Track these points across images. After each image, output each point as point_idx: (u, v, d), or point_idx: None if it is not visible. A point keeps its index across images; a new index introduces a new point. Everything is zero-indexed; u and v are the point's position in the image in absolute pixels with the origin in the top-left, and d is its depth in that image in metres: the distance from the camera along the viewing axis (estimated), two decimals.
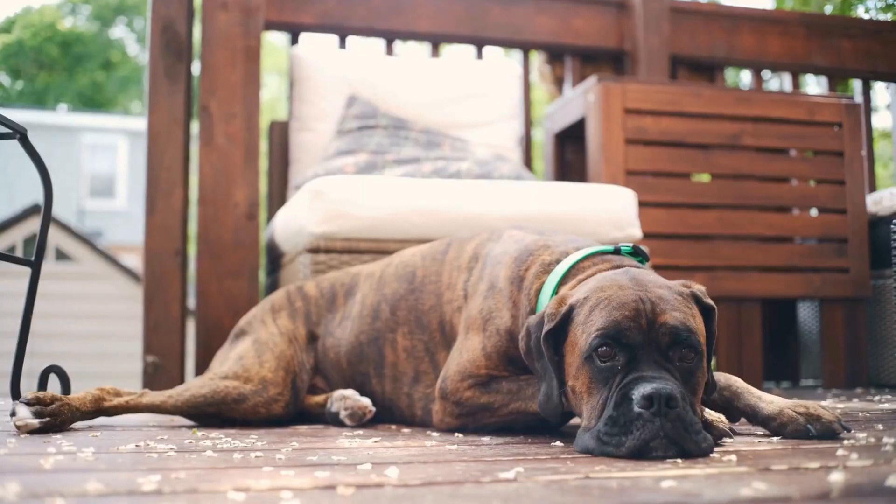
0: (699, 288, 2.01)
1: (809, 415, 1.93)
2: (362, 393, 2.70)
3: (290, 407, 2.64)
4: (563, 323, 1.94)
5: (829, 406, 2.93)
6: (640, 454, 1.68)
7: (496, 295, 2.32)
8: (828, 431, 1.90)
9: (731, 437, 1.87)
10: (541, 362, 2.01)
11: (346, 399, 2.58)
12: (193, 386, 2.57)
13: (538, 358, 2.02)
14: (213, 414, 2.56)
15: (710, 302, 1.98)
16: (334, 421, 2.58)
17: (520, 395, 2.19)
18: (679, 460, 1.58)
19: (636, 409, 1.70)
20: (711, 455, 1.68)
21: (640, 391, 1.71)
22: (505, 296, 2.29)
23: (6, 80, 27.15)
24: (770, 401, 2.03)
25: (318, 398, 2.73)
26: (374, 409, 2.57)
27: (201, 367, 3.82)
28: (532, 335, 2.03)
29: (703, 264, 4.25)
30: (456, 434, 2.23)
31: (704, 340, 1.91)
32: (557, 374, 1.95)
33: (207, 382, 2.56)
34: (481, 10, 4.84)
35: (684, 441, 1.68)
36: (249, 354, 2.65)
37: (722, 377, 2.15)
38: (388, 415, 2.65)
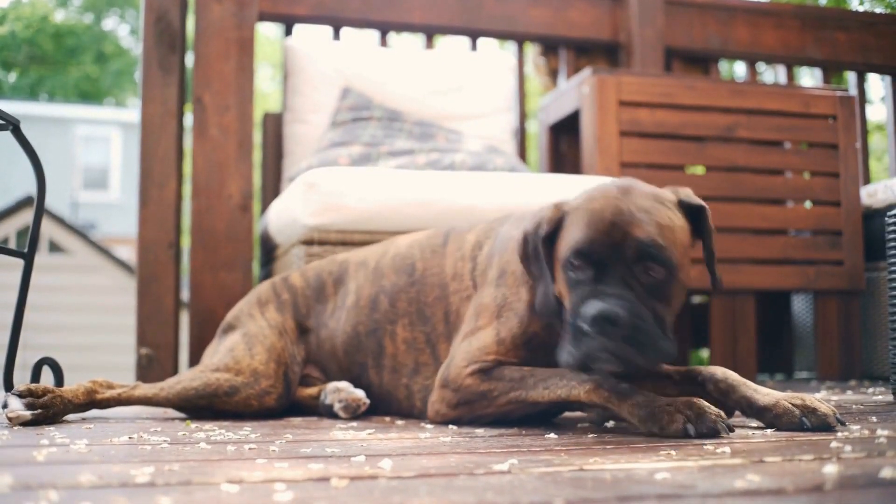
0: (685, 192, 2.12)
1: (805, 407, 1.93)
2: (359, 383, 2.69)
3: (283, 399, 2.63)
4: (557, 229, 2.11)
5: (825, 398, 2.94)
6: (585, 366, 1.93)
7: (507, 279, 2.34)
8: (823, 424, 1.90)
9: (727, 433, 1.86)
10: (536, 265, 2.15)
11: (339, 391, 2.58)
12: (185, 378, 2.56)
13: (534, 261, 2.16)
14: (204, 406, 2.55)
15: (698, 201, 2.09)
16: (328, 413, 2.58)
17: (522, 383, 2.16)
18: (673, 452, 1.58)
19: (583, 326, 1.86)
20: (700, 439, 1.68)
21: (588, 310, 1.87)
22: (517, 276, 2.32)
23: None
24: (766, 393, 2.03)
25: (312, 390, 2.72)
26: (368, 401, 2.57)
27: (195, 360, 3.82)
28: (529, 242, 2.17)
29: (696, 256, 4.25)
30: (450, 426, 2.23)
31: (683, 250, 2.05)
32: (551, 276, 2.11)
33: (199, 375, 2.56)
34: (475, 1, 4.83)
35: (627, 354, 1.87)
36: (240, 347, 2.64)
37: (718, 371, 2.15)
38: (384, 406, 2.65)
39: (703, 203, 2.09)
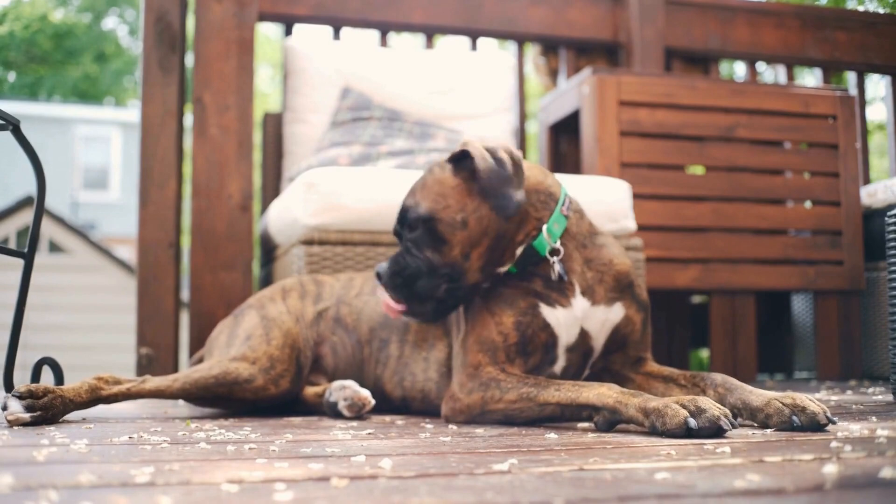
0: (464, 143, 2.36)
1: (795, 405, 1.94)
2: (377, 357, 2.75)
3: (295, 382, 2.68)
4: None
5: (824, 399, 2.94)
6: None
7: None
8: (812, 422, 1.90)
9: (729, 427, 1.86)
10: None
11: (345, 388, 2.57)
12: (202, 368, 2.57)
13: None
14: (223, 395, 2.56)
15: (459, 149, 2.35)
16: (332, 411, 2.58)
17: (533, 382, 2.20)
18: (673, 452, 1.58)
19: None
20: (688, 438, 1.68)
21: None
22: None
23: None
24: (760, 394, 2.05)
25: (317, 389, 2.74)
26: (373, 401, 2.57)
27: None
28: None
29: (697, 256, 4.26)
30: (450, 426, 2.23)
31: (443, 199, 2.33)
32: None
33: (216, 364, 2.58)
34: (475, 1, 4.83)
35: (387, 299, 2.41)
36: (257, 333, 2.68)
37: (718, 377, 2.22)
38: (397, 379, 2.70)
39: (464, 148, 2.34)
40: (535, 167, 2.48)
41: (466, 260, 2.33)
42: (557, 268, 2.34)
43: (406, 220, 2.38)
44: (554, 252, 2.36)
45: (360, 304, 2.85)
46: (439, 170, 2.38)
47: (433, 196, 2.34)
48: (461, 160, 2.36)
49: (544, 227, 2.37)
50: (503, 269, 2.41)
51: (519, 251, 2.39)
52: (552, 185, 2.46)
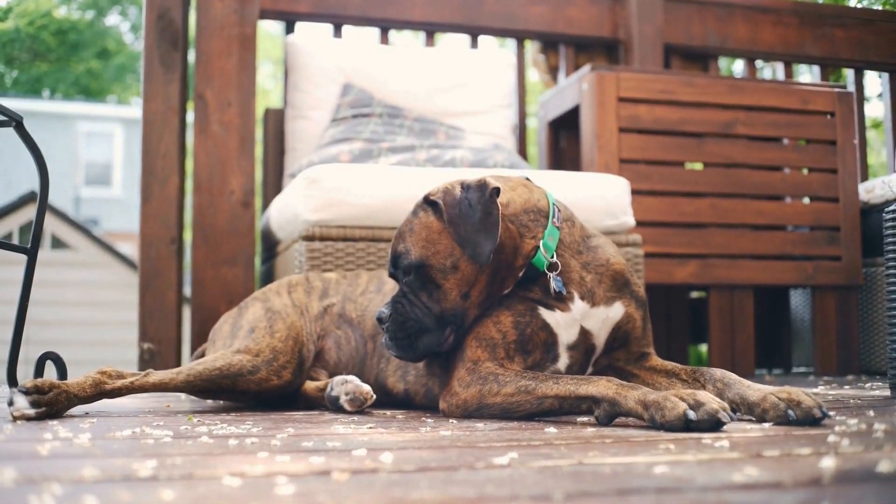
0: (436, 190, 2.39)
1: (790, 400, 1.96)
2: (381, 351, 2.78)
3: (297, 373, 2.70)
4: None
5: (822, 393, 2.95)
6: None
7: None
8: (807, 416, 1.91)
9: (728, 420, 1.87)
10: None
11: (347, 384, 2.58)
12: (206, 361, 2.58)
13: None
14: (226, 387, 2.57)
15: (433, 198, 2.38)
16: (334, 405, 2.59)
17: (532, 375, 2.21)
18: (671, 446, 1.59)
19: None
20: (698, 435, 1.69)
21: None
22: None
23: (1, 68, 27.02)
24: (757, 389, 2.07)
25: (319, 383, 2.75)
26: (374, 395, 2.58)
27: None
28: None
29: (695, 252, 4.27)
30: (450, 421, 2.24)
31: (428, 242, 2.35)
32: None
33: (220, 357, 2.59)
34: None
35: (391, 347, 2.42)
36: (261, 325, 2.71)
37: (718, 372, 2.25)
38: (400, 374, 2.72)
39: (435, 199, 2.37)
40: (517, 185, 2.49)
41: (466, 299, 2.36)
42: (554, 284, 2.35)
43: (399, 265, 2.40)
44: (552, 267, 2.37)
45: (365, 301, 2.87)
46: (423, 213, 2.40)
47: (422, 242, 2.36)
48: (438, 204, 2.37)
49: (540, 244, 2.38)
50: (506, 291, 2.43)
51: (521, 274, 2.41)
52: (539, 200, 2.47)
